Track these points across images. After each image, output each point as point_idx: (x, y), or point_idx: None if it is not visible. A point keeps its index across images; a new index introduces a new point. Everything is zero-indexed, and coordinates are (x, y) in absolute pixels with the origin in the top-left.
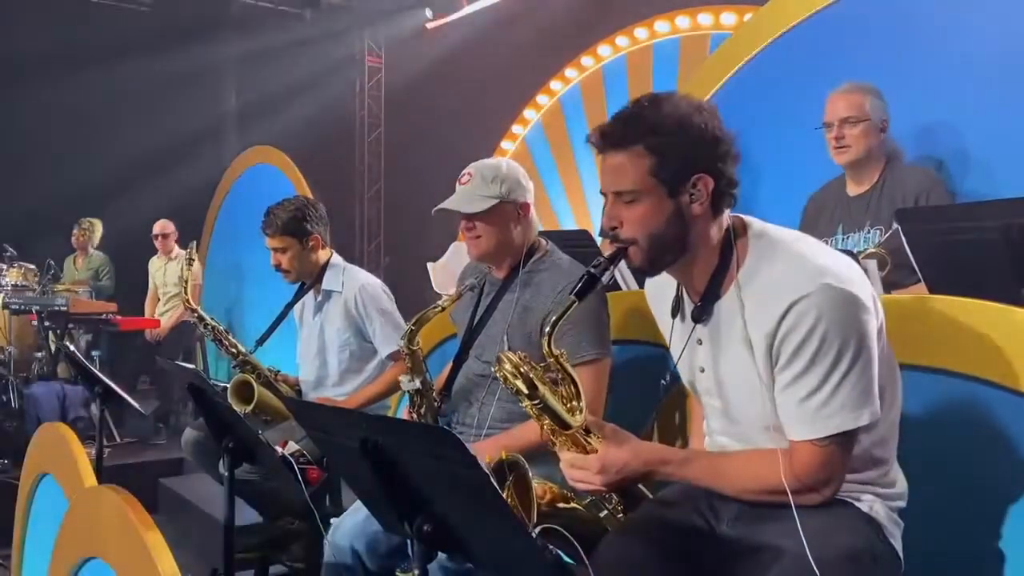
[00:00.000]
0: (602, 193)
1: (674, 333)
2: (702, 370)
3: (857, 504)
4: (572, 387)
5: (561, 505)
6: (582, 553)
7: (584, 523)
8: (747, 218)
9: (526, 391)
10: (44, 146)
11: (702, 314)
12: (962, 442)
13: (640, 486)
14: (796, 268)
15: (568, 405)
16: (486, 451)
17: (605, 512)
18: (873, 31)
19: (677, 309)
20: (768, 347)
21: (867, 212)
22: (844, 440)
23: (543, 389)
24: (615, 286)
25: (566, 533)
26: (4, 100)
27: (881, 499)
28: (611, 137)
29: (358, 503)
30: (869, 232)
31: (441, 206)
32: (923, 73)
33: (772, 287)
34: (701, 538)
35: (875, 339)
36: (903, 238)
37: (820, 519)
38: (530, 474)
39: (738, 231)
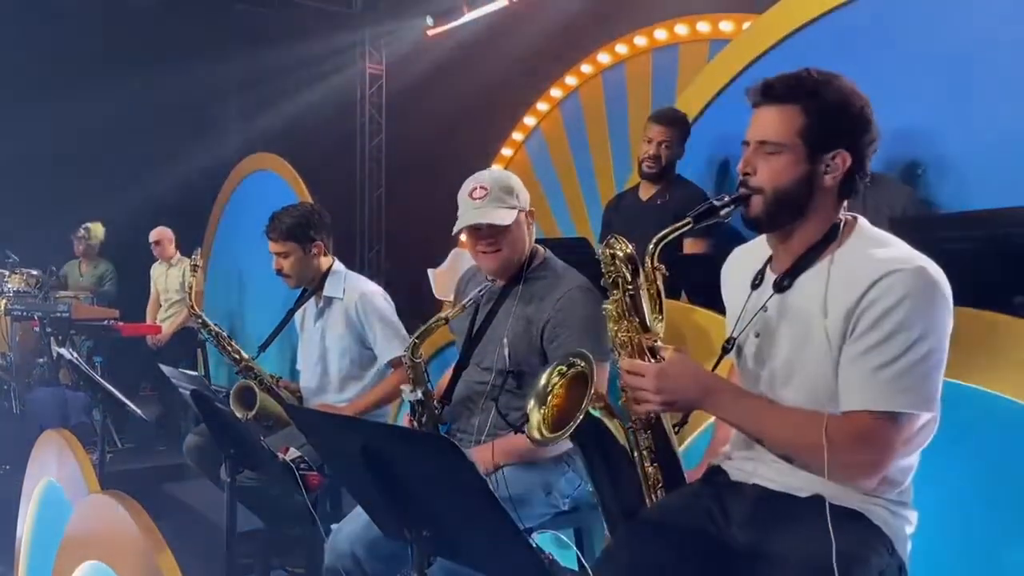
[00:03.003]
0: (744, 143)
1: (747, 304)
2: (756, 335)
3: (869, 516)
4: (657, 305)
5: (606, 419)
6: (581, 558)
7: (616, 453)
8: (860, 217)
9: (629, 277)
10: (45, 151)
11: (783, 282)
12: (958, 450)
13: (674, 442)
14: (893, 251)
15: (654, 314)
16: (482, 457)
17: (637, 453)
18: (872, 38)
19: (758, 283)
20: (848, 312)
21: None
22: (903, 423)
23: (643, 280)
24: None
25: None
26: (5, 104)
27: (893, 515)
28: (773, 91)
29: (358, 509)
30: None
31: (473, 222)
32: (924, 81)
33: (866, 262)
34: (710, 542)
35: (947, 343)
36: None
37: (828, 526)
38: (593, 372)
39: (847, 222)
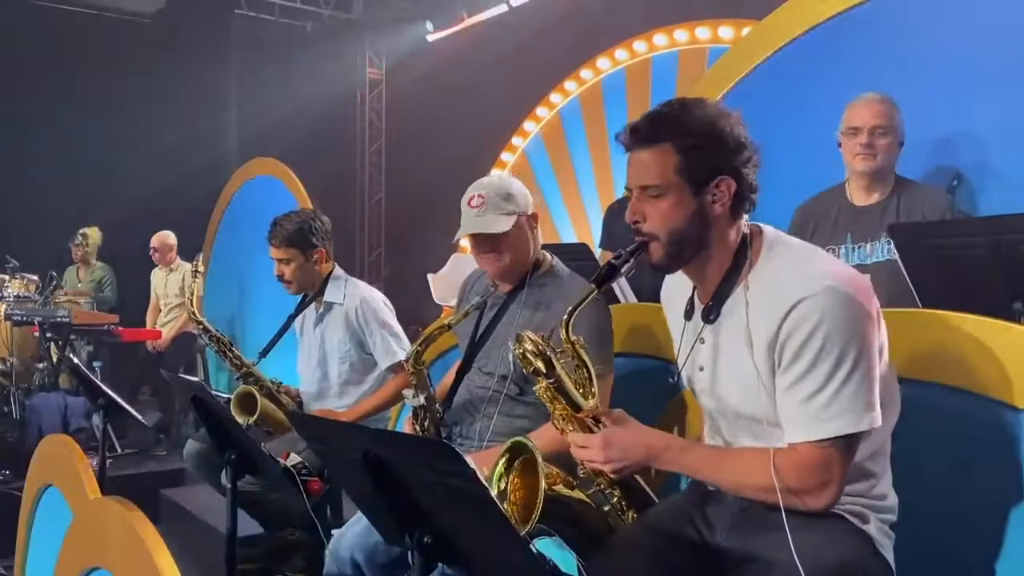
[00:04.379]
0: (627, 189)
1: (684, 334)
2: (701, 369)
3: (848, 517)
4: (586, 373)
5: (565, 492)
6: (580, 565)
7: (587, 516)
8: (763, 225)
9: (544, 369)
10: (46, 157)
11: (710, 314)
12: (955, 454)
13: (645, 487)
14: (802, 271)
15: (581, 390)
16: (485, 463)
17: (608, 507)
18: (873, 43)
19: (690, 312)
20: (770, 346)
21: (881, 223)
22: (844, 444)
23: (560, 369)
24: (614, 299)
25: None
26: (5, 110)
27: (872, 511)
28: (641, 134)
29: (359, 514)
30: (890, 243)
31: (469, 231)
32: (931, 85)
33: (777, 287)
34: (695, 551)
35: (876, 347)
36: (896, 252)
37: (811, 532)
38: (539, 458)
39: (753, 236)
